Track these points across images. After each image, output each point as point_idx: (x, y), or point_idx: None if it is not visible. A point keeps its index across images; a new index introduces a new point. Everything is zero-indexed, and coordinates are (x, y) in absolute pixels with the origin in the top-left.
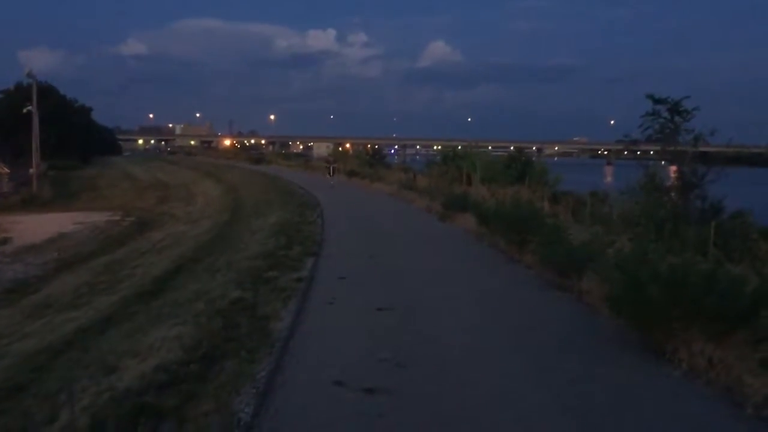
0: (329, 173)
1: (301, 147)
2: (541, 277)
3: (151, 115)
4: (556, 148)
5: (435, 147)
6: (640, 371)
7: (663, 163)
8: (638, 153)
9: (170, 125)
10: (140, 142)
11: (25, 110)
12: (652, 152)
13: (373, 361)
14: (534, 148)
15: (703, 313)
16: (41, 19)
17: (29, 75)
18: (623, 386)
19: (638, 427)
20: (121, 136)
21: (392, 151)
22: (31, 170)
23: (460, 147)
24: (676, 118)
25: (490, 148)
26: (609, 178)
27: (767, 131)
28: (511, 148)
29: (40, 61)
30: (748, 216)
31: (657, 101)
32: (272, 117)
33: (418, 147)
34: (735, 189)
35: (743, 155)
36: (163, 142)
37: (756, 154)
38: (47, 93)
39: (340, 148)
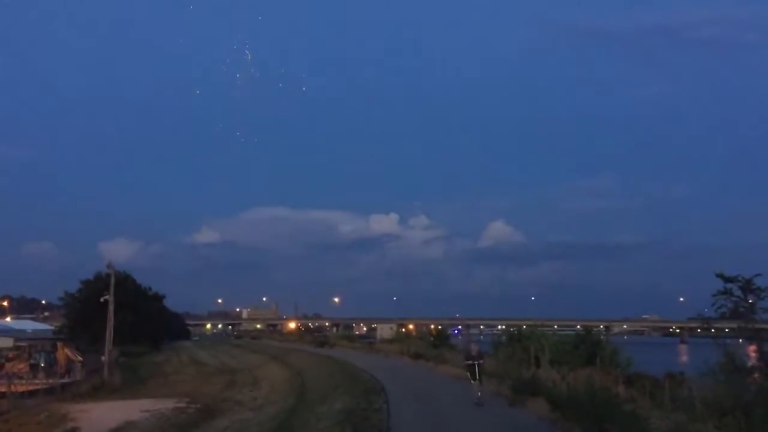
0: (473, 376)
1: (364, 328)
2: None
3: (219, 300)
4: (625, 327)
5: (499, 326)
6: None
7: (740, 341)
8: (712, 330)
9: (237, 309)
10: (208, 326)
11: (102, 299)
12: (727, 330)
13: None
14: (601, 326)
15: None
16: (121, 212)
17: (108, 266)
18: None
19: None
20: (190, 321)
21: (456, 332)
22: (102, 357)
23: (525, 326)
24: (749, 296)
25: (555, 327)
26: (684, 358)
27: None
28: (578, 327)
29: (119, 252)
30: None
31: (728, 280)
32: (336, 299)
33: (482, 327)
34: None
35: None
36: (230, 326)
37: None
38: (124, 282)
39: (403, 329)
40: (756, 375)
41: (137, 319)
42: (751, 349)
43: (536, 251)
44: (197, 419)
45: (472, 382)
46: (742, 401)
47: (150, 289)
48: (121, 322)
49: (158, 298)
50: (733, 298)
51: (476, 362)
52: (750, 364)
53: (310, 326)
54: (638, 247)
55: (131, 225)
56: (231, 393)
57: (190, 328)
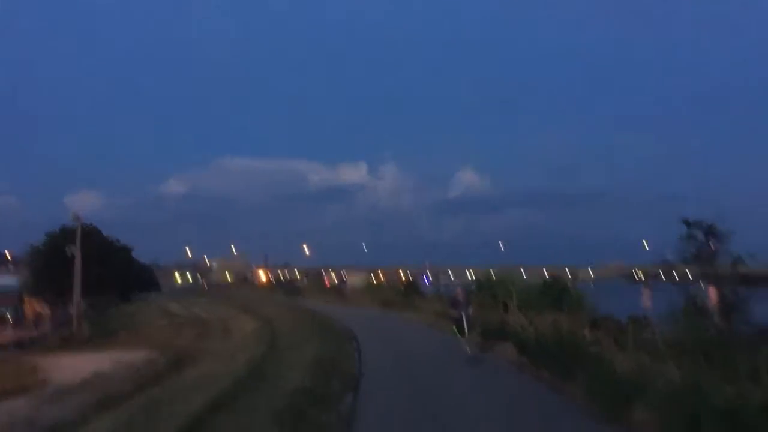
0: (461, 331)
1: (335, 278)
2: (588, 409)
3: (188, 252)
4: (591, 272)
5: (468, 273)
6: None
7: (702, 285)
8: (676, 276)
9: (207, 260)
10: (178, 278)
11: (68, 252)
12: (690, 275)
13: None
14: (568, 272)
15: None
16: (86, 165)
17: (74, 218)
18: None
19: None
20: (159, 273)
21: (426, 280)
22: (71, 310)
23: (493, 274)
24: (712, 241)
25: (524, 274)
26: (648, 302)
27: None
28: (546, 273)
29: (85, 205)
30: None
31: (691, 225)
32: (306, 249)
33: (451, 274)
34: None
35: None
36: (200, 278)
37: None
38: (90, 234)
39: (374, 279)
40: (716, 317)
41: (105, 272)
42: (712, 293)
43: (504, 199)
44: (169, 369)
45: (459, 337)
46: (703, 342)
47: (117, 241)
48: (89, 275)
49: (126, 250)
50: (696, 243)
51: (463, 312)
52: (710, 307)
53: (281, 277)
54: (605, 194)
55: (97, 178)
56: (202, 343)
57: (159, 280)
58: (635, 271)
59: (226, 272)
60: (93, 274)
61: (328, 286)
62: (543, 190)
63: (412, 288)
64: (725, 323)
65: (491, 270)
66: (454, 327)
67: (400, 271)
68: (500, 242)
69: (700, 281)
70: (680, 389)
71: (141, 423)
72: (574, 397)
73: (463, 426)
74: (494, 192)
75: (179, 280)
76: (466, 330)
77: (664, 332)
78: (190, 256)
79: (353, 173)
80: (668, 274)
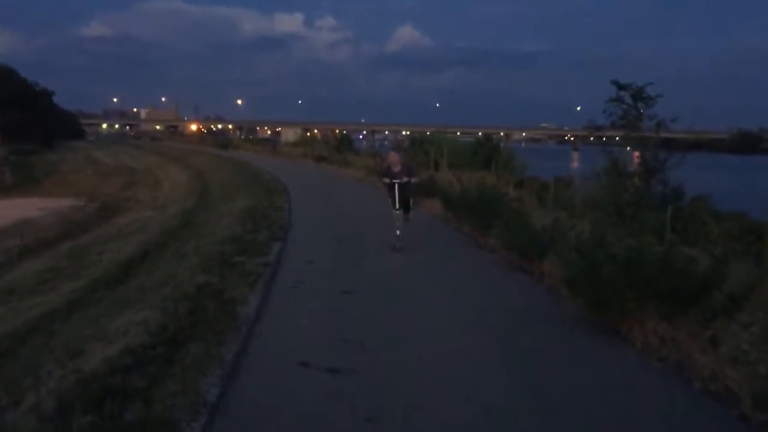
0: (395, 203)
1: (268, 132)
2: (505, 261)
3: (115, 99)
4: (524, 134)
5: (403, 132)
6: (596, 348)
7: (627, 148)
8: (604, 139)
9: (135, 109)
10: (104, 126)
11: None
12: (617, 138)
13: (339, 341)
14: (502, 133)
15: (656, 293)
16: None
17: None
18: (578, 361)
19: (589, 397)
20: (84, 121)
21: (361, 137)
22: None
23: (428, 132)
24: (639, 104)
25: (458, 133)
26: (575, 164)
27: (727, 117)
28: (479, 134)
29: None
30: (707, 200)
31: (621, 87)
32: (239, 101)
33: (386, 132)
34: (696, 174)
35: (703, 141)
36: (127, 127)
37: (716, 140)
38: (7, 76)
39: (308, 134)
40: (635, 179)
41: (25, 116)
42: (636, 156)
43: (443, 57)
44: (97, 217)
45: (394, 211)
46: (620, 201)
47: (37, 84)
48: (8, 119)
49: (47, 95)
50: (624, 106)
51: (398, 181)
52: (631, 169)
53: (212, 129)
54: (540, 56)
55: (11, 15)
56: (131, 193)
57: (84, 128)
58: (565, 133)
59: (155, 122)
60: (12, 119)
61: (262, 138)
62: (481, 50)
63: (345, 144)
64: (644, 185)
65: (426, 129)
66: (389, 199)
67: (335, 128)
68: (436, 102)
69: (625, 144)
70: (587, 241)
71: (69, 268)
72: (492, 248)
73: (380, 260)
74: (433, 50)
75: (106, 127)
76: (400, 203)
77: (585, 192)
78: (115, 101)
79: (289, 23)
80: (597, 138)
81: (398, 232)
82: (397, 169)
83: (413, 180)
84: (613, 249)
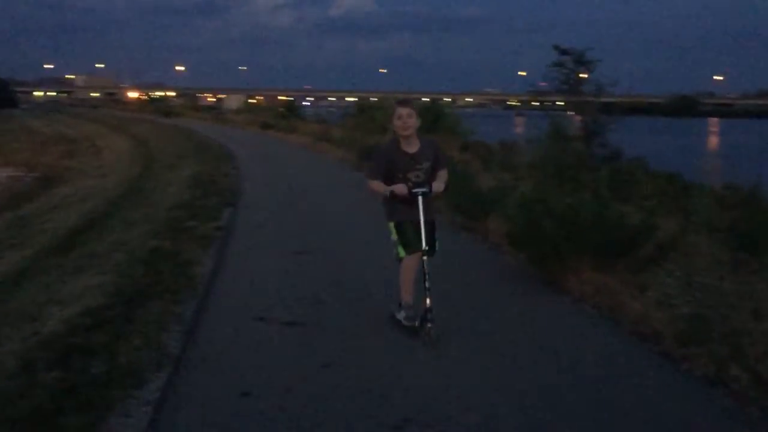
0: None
1: (212, 99)
2: (451, 221)
3: (50, 66)
4: (469, 100)
5: (349, 99)
6: (536, 298)
7: (569, 113)
8: (546, 104)
9: (71, 76)
10: (38, 93)
11: None
12: (559, 103)
13: (292, 299)
14: (448, 99)
15: (591, 246)
16: None
17: None
18: (521, 310)
19: (531, 339)
20: (17, 88)
21: (308, 104)
22: None
23: (375, 99)
24: (580, 69)
25: None
26: (519, 129)
27: (664, 82)
28: (426, 99)
29: None
30: (643, 161)
31: (563, 52)
32: (180, 68)
33: (333, 99)
34: (634, 137)
35: (642, 105)
36: (64, 94)
37: (653, 104)
38: None
39: (253, 101)
40: (576, 142)
41: None
42: (577, 120)
43: (388, 23)
44: (37, 187)
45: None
46: (561, 163)
47: None
48: None
49: None
50: (565, 71)
51: (421, 190)
52: (573, 133)
53: (153, 96)
54: (484, 21)
55: None
56: (71, 162)
57: (17, 95)
58: (509, 98)
59: (93, 89)
60: None
61: (205, 105)
62: (426, 14)
63: (291, 110)
64: (585, 148)
65: (372, 95)
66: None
67: (279, 95)
68: (382, 69)
69: (567, 109)
70: (529, 201)
71: (13, 238)
72: (439, 210)
73: (326, 211)
74: (378, 15)
75: (40, 95)
76: (423, 243)
77: (529, 156)
78: (50, 67)
79: None
80: (540, 103)
81: (410, 297)
82: (413, 149)
83: (442, 181)
84: (552, 206)
